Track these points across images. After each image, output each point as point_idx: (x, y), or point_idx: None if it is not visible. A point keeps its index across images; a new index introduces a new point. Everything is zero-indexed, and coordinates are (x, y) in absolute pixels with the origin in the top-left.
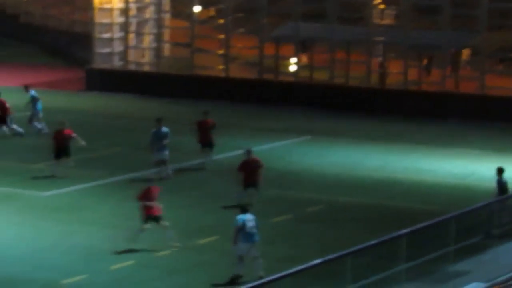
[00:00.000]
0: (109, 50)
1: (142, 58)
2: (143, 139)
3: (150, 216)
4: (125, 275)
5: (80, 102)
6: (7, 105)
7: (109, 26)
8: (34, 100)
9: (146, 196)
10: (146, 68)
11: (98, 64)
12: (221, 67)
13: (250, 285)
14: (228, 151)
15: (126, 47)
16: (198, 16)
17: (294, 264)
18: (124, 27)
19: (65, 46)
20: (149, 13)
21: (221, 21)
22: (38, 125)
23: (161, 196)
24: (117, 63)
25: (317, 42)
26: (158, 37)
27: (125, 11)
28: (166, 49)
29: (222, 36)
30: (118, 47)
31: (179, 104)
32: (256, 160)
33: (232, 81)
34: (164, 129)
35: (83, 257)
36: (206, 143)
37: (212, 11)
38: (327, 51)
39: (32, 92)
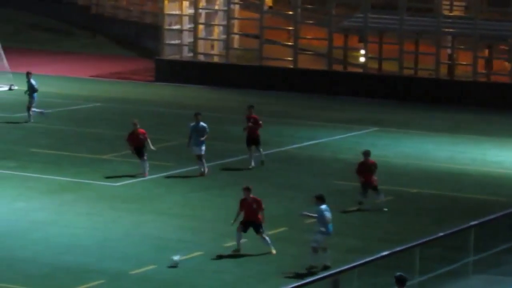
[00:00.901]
0: (178, 41)
1: (211, 49)
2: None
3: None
4: (193, 266)
5: (149, 92)
6: None
7: (178, 17)
8: (32, 88)
9: (242, 205)
10: (215, 59)
11: (167, 55)
12: (290, 58)
13: (320, 276)
14: (297, 142)
15: (196, 38)
16: (267, 7)
17: (362, 255)
18: (194, 18)
19: (135, 37)
20: (219, 4)
21: (290, 12)
22: (37, 110)
23: (225, 188)
24: (186, 54)
25: (386, 33)
26: (227, 29)
27: (194, 3)
28: (235, 40)
29: (291, 28)
30: (187, 38)
31: (248, 95)
32: (374, 163)
33: (300, 72)
34: (202, 124)
35: (152, 248)
36: (251, 139)
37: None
38: (396, 42)
39: (32, 81)
